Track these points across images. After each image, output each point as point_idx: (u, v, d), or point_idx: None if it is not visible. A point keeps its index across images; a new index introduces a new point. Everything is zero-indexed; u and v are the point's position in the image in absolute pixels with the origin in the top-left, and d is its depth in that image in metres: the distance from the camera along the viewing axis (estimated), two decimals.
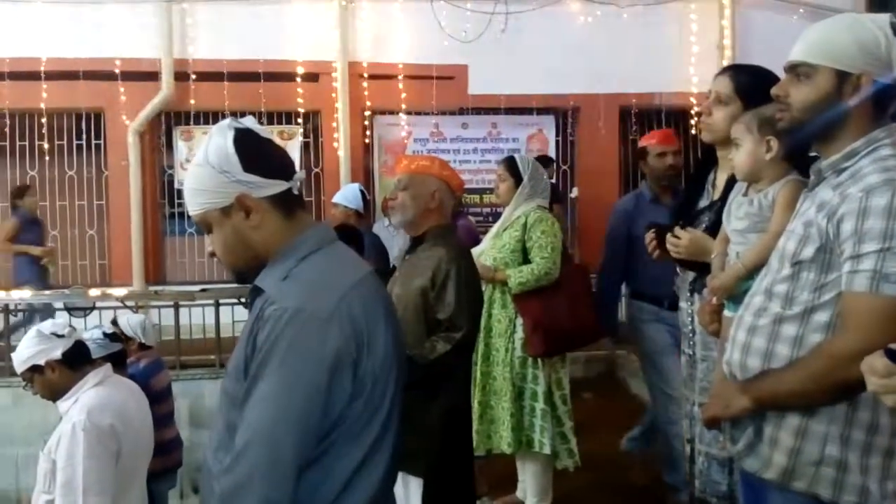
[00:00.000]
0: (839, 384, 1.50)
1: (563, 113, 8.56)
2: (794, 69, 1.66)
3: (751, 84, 2.28)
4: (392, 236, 5.53)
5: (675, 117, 8.54)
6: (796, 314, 1.60)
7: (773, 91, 1.73)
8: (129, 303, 6.20)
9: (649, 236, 2.56)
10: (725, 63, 7.61)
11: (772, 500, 1.68)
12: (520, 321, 3.50)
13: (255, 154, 1.45)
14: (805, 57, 1.64)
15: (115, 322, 4.12)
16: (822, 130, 1.65)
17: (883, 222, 1.48)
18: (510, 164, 3.65)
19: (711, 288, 2.18)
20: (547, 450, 3.46)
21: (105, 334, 3.70)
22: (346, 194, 5.14)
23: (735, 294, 2.06)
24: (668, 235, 2.43)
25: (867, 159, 1.58)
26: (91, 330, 3.80)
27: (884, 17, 1.63)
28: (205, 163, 1.44)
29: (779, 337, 1.62)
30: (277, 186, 1.46)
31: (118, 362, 3.67)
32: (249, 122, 1.52)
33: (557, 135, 8.56)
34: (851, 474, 1.55)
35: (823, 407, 1.56)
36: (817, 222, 1.58)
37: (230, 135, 1.45)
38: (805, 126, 1.67)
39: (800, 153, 2.05)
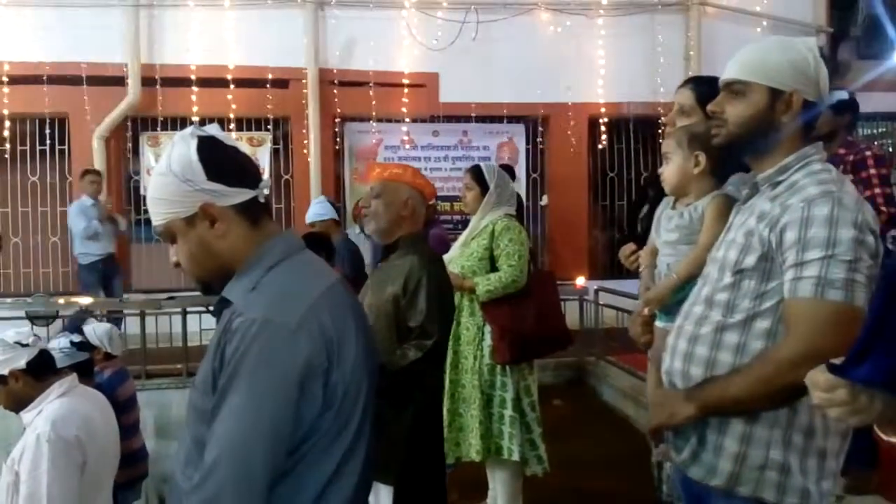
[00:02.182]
0: (786, 389, 1.53)
1: (534, 121, 8.64)
2: (730, 86, 1.74)
3: (712, 95, 2.33)
4: (362, 244, 5.53)
5: (643, 127, 8.66)
6: (738, 322, 1.64)
7: (710, 108, 1.80)
8: (94, 311, 6.09)
9: (629, 249, 2.60)
10: (691, 73, 7.74)
11: None
12: (488, 329, 3.51)
13: (219, 162, 1.43)
14: (739, 75, 1.72)
15: (80, 331, 4.05)
16: (756, 145, 1.72)
17: (825, 231, 1.53)
18: (476, 173, 3.67)
19: (645, 299, 2.23)
20: (515, 456, 3.48)
21: (72, 343, 3.63)
22: (318, 210, 5.12)
23: (668, 305, 2.10)
24: (644, 249, 2.48)
25: (801, 173, 1.65)
26: (58, 338, 3.73)
27: (812, 40, 1.73)
28: (167, 171, 1.41)
29: (721, 345, 1.66)
30: (242, 195, 1.44)
31: (85, 372, 3.60)
32: (213, 129, 1.49)
33: (528, 143, 8.63)
34: (793, 477, 1.59)
35: (765, 412, 1.60)
36: (759, 232, 1.63)
37: (193, 143, 1.42)
38: (740, 141, 1.73)
39: (733, 168, 2.11)
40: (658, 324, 2.19)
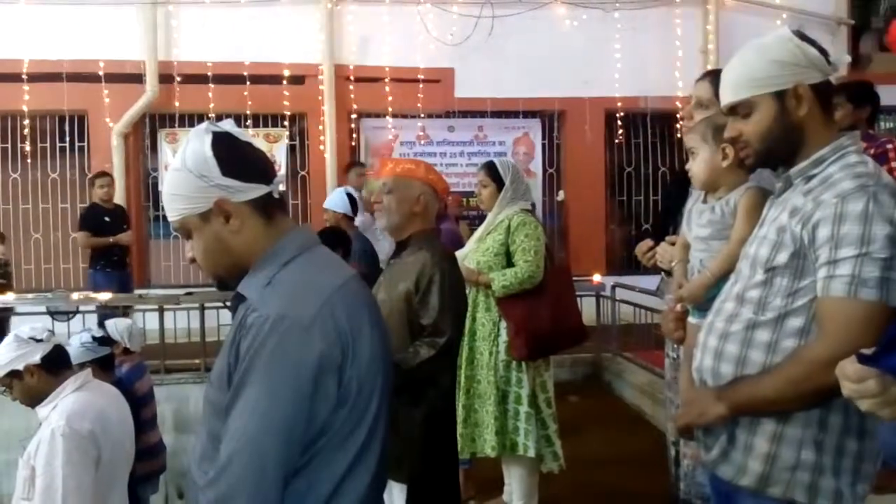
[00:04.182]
0: (818, 390, 1.49)
1: (549, 116, 8.59)
2: (734, 110, 1.70)
3: None
4: (378, 240, 5.51)
5: (661, 121, 8.59)
6: (770, 320, 1.60)
7: (727, 136, 1.76)
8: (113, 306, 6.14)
9: (646, 245, 2.57)
10: (709, 67, 7.66)
11: None
12: (503, 324, 3.50)
13: (234, 158, 1.43)
14: (736, 96, 1.68)
15: (101, 325, 4.09)
16: (787, 149, 1.67)
17: (860, 227, 1.48)
18: (491, 169, 3.65)
19: (678, 296, 2.19)
20: (531, 453, 3.46)
21: (94, 338, 3.67)
22: (335, 199, 5.14)
23: (700, 301, 2.07)
24: (660, 246, 2.45)
25: (835, 166, 1.60)
26: (80, 333, 3.77)
27: (784, 30, 1.67)
28: (182, 167, 1.41)
29: (752, 342, 1.62)
30: (257, 190, 1.44)
31: (106, 366, 3.64)
32: (228, 125, 1.49)
33: (543, 138, 8.60)
34: (825, 478, 1.56)
35: (797, 411, 1.56)
36: (791, 228, 1.59)
37: (208, 139, 1.42)
38: (771, 154, 1.69)
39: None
40: (691, 320, 2.15)
